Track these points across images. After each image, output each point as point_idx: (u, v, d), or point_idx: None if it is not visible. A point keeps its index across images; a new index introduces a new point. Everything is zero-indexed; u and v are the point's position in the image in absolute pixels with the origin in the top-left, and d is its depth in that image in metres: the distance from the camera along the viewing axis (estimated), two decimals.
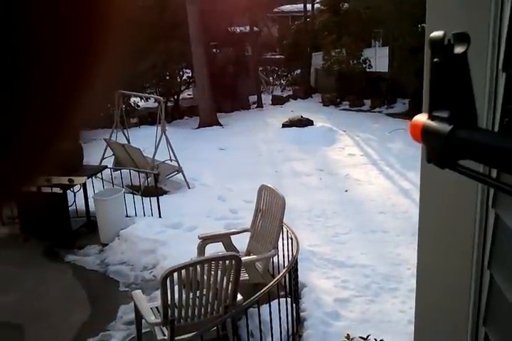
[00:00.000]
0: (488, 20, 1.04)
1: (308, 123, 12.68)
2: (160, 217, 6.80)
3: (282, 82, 20.47)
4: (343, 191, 8.29)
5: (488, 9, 1.04)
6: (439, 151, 0.53)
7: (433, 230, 1.38)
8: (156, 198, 6.89)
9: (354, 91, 16.08)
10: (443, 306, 1.38)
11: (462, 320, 1.27)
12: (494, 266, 1.11)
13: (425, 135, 0.55)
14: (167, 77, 15.45)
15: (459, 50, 0.52)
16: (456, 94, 0.53)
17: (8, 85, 0.24)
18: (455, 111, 0.52)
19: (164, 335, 3.84)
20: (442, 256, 1.36)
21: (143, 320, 4.12)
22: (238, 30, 17.37)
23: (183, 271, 3.66)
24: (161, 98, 9.32)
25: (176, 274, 3.64)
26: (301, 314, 4.55)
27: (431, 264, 1.40)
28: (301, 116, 12.95)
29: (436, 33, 0.53)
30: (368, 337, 3.59)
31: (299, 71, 19.83)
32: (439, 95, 0.55)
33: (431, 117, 0.55)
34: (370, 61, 16.52)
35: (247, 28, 17.38)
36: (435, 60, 0.54)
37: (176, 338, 3.72)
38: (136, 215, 6.80)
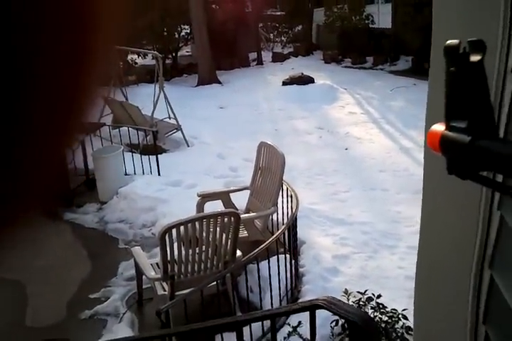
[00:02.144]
0: (497, 20, 0.99)
1: (309, 80, 12.50)
2: (159, 175, 6.77)
3: (283, 38, 20.08)
4: (343, 149, 8.24)
5: (498, 10, 0.99)
6: (459, 162, 0.52)
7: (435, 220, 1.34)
8: (155, 156, 6.84)
9: (356, 49, 15.78)
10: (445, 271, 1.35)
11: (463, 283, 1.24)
12: (496, 265, 1.09)
13: (444, 146, 0.54)
14: (165, 33, 15.11)
15: (474, 58, 0.50)
16: (473, 104, 0.51)
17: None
18: (473, 121, 0.51)
19: (164, 290, 3.87)
20: (444, 249, 1.33)
21: (143, 276, 4.14)
22: None
23: (182, 228, 3.64)
24: (159, 54, 9.12)
25: (174, 230, 3.62)
26: (300, 270, 4.58)
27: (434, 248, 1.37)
28: (302, 74, 12.76)
29: (452, 42, 0.51)
30: (365, 291, 3.62)
31: (300, 27, 19.42)
32: (456, 105, 0.53)
33: (448, 127, 0.54)
34: (372, 17, 16.13)
35: None
36: (451, 69, 0.52)
37: (176, 293, 3.74)
38: (135, 173, 6.77)
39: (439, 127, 0.55)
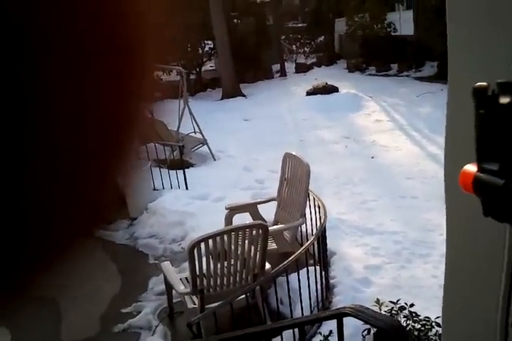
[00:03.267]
0: None
1: (333, 90, 12.48)
2: (187, 189, 6.83)
3: (306, 49, 20.14)
4: (369, 158, 8.17)
5: None
6: (495, 205, 0.52)
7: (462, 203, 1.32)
8: (182, 171, 6.90)
9: (380, 56, 15.70)
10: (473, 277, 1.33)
11: (493, 286, 1.21)
12: None
13: (477, 187, 0.53)
14: (188, 49, 15.30)
15: (504, 100, 0.49)
16: (504, 146, 0.50)
17: None
18: (506, 164, 0.50)
19: (194, 304, 3.87)
20: (472, 228, 1.30)
21: (173, 291, 4.16)
22: (258, 0, 17.05)
23: (210, 241, 3.65)
24: (183, 69, 9.24)
25: (203, 244, 3.63)
26: (331, 281, 4.53)
27: (460, 236, 1.34)
28: (326, 83, 12.74)
29: (480, 84, 0.50)
30: (398, 301, 3.56)
31: (322, 38, 19.46)
32: (487, 146, 0.52)
33: (480, 169, 0.53)
34: (394, 25, 16.06)
35: None
36: (481, 111, 0.51)
37: (206, 306, 3.75)
38: (163, 188, 6.83)
39: (471, 168, 0.54)
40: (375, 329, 3.45)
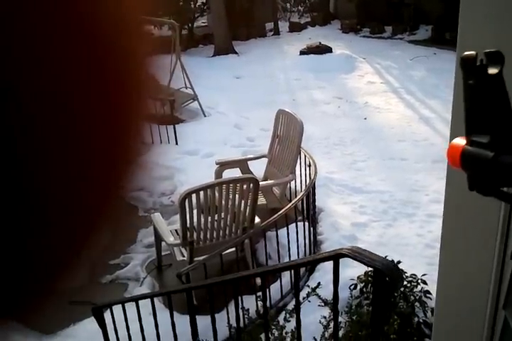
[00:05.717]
0: None
1: (326, 50, 12.27)
2: (177, 144, 6.77)
3: (300, 8, 19.71)
4: (362, 119, 8.14)
5: None
6: (481, 178, 0.50)
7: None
8: (172, 126, 6.82)
9: (375, 18, 15.43)
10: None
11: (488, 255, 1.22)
12: None
13: (465, 161, 0.51)
14: (181, 3, 14.91)
15: (493, 70, 0.47)
16: (494, 118, 0.48)
17: None
18: (495, 136, 0.48)
19: (183, 256, 3.91)
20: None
21: (162, 243, 4.18)
22: None
23: (201, 193, 3.65)
24: (175, 23, 9.01)
25: (194, 196, 3.63)
26: (318, 237, 4.59)
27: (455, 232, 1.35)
28: (320, 43, 12.53)
29: (468, 53, 0.48)
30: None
31: None
32: (476, 118, 0.50)
33: (469, 142, 0.51)
34: None
35: None
36: (469, 81, 0.49)
37: (195, 259, 3.78)
38: (152, 143, 6.76)
39: (460, 141, 0.52)
40: (361, 285, 3.52)
